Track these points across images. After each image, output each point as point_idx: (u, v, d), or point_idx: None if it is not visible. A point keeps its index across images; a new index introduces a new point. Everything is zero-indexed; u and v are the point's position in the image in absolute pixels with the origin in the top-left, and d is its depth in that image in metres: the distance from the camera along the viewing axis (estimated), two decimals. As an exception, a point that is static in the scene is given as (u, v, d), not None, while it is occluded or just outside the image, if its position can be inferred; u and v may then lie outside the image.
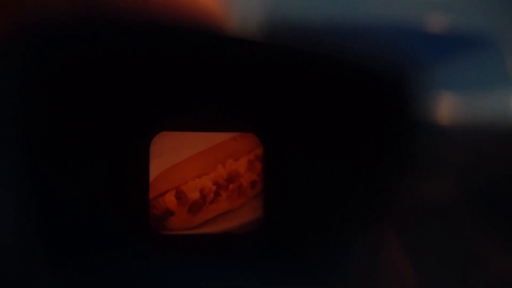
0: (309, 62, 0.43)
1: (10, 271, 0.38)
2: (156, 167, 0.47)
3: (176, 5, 0.38)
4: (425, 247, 0.42)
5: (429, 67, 0.42)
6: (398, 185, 0.41)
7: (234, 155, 0.50)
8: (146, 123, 0.45)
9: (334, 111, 0.44)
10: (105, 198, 0.44)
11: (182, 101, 0.45)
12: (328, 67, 0.43)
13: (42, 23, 0.37)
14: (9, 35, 0.36)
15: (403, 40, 0.42)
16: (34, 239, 0.39)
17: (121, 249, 0.43)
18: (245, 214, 0.49)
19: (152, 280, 0.41)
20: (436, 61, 0.42)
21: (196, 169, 0.49)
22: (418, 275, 0.42)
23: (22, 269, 0.38)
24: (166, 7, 0.38)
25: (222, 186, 0.50)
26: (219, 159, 0.50)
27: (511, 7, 0.46)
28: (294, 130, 0.46)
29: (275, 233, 0.46)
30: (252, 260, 0.44)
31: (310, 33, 0.42)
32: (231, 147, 0.50)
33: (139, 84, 0.44)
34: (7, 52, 0.37)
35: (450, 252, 0.42)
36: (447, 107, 0.42)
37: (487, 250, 0.43)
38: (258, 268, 0.43)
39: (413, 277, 0.42)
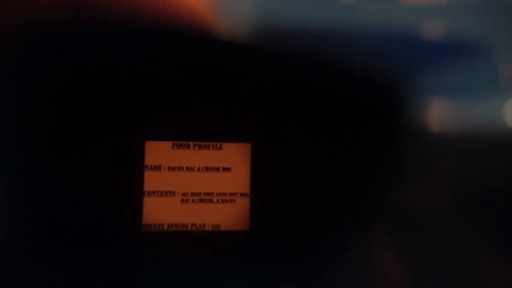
0: (300, 67, 0.43)
1: (8, 270, 0.38)
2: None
3: (164, 9, 0.38)
4: (416, 252, 0.43)
5: (422, 73, 0.42)
6: (390, 191, 0.42)
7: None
8: (136, 129, 0.45)
9: (326, 116, 0.45)
10: (103, 197, 0.44)
11: (170, 107, 0.45)
12: (320, 72, 0.43)
13: (35, 27, 0.37)
14: (6, 37, 0.36)
15: (396, 46, 0.42)
16: (31, 239, 0.39)
17: (119, 248, 0.43)
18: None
19: (150, 280, 0.41)
20: (429, 67, 0.42)
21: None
22: (410, 280, 0.42)
23: (20, 269, 0.38)
24: (155, 12, 0.38)
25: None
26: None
27: (504, 15, 0.46)
28: (285, 134, 0.46)
29: (266, 234, 0.47)
30: (243, 260, 0.45)
31: (302, 38, 0.42)
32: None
33: (130, 88, 0.44)
34: (6, 53, 0.37)
35: (442, 256, 0.43)
36: (440, 113, 0.43)
37: (479, 256, 0.43)
38: (249, 268, 0.44)
39: (405, 281, 0.42)
